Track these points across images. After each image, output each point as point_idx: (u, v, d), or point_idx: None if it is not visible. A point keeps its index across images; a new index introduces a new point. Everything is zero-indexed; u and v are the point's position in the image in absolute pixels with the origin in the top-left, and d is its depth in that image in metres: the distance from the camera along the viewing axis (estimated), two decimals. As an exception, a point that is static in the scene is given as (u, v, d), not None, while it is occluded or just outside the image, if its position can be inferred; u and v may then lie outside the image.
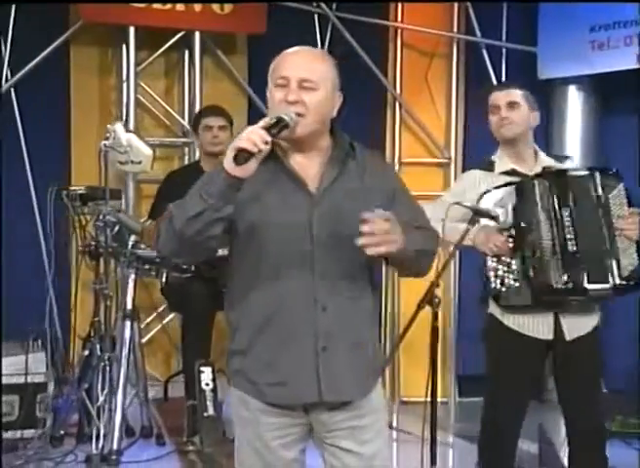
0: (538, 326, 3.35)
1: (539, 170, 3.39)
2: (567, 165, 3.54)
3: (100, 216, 3.97)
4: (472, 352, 5.76)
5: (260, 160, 2.19)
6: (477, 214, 3.30)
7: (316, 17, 5.87)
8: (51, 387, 4.20)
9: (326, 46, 5.92)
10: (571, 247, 3.24)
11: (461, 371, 6.06)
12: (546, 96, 5.80)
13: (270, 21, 5.63)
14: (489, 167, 3.47)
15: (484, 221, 3.33)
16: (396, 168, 5.96)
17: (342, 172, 2.37)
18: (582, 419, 3.44)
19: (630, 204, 3.31)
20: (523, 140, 3.42)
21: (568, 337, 3.34)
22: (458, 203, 3.30)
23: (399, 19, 5.95)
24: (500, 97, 3.43)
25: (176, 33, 5.44)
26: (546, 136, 5.90)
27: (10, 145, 5.29)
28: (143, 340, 5.35)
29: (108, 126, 4.17)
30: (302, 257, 2.32)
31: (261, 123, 2.22)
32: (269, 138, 2.17)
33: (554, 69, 5.76)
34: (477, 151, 6.02)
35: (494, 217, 3.32)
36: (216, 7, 5.32)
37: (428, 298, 3.25)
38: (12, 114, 5.35)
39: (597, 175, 3.30)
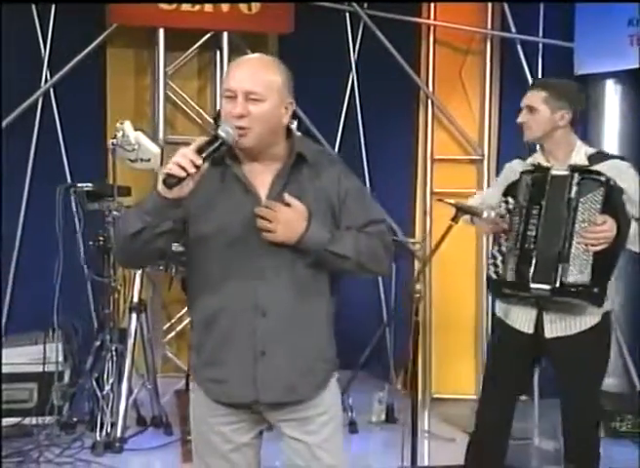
0: (521, 318, 3.30)
1: (566, 166, 3.28)
2: (610, 163, 3.29)
3: (107, 212, 4.05)
4: None
5: (196, 180, 2.19)
6: (459, 210, 3.28)
7: (347, 15, 5.87)
8: (67, 376, 4.34)
9: (357, 44, 5.93)
10: (529, 243, 3.20)
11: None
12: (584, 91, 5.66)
13: (301, 20, 5.63)
14: (526, 157, 3.45)
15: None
16: (428, 165, 5.94)
17: (293, 179, 2.36)
18: (571, 417, 3.36)
19: (607, 210, 3.14)
20: (549, 140, 3.32)
21: (547, 335, 3.27)
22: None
23: (432, 16, 5.88)
24: (524, 99, 3.38)
25: (205, 34, 5.49)
26: (584, 131, 5.77)
27: (48, 143, 5.48)
28: (173, 333, 5.47)
29: (117, 124, 4.24)
30: (247, 263, 2.33)
31: (195, 144, 2.20)
32: (200, 162, 2.16)
33: (591, 65, 5.59)
34: (511, 148, 5.93)
35: (477, 214, 3.28)
36: (243, 7, 5.35)
37: (410, 292, 3.24)
38: (51, 113, 5.52)
39: (576, 176, 3.19)
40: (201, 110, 5.73)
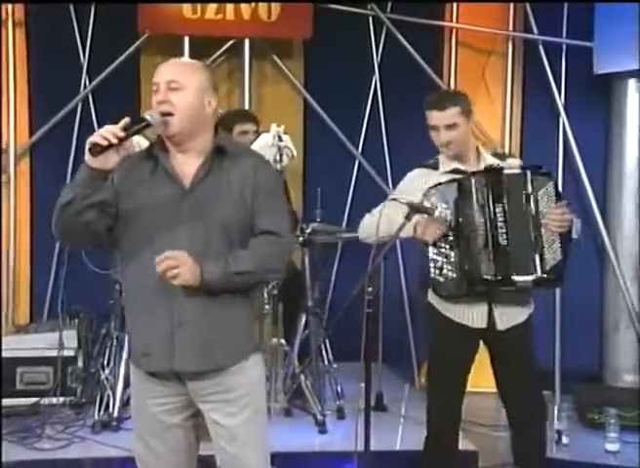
0: (471, 315, 3.37)
1: (481, 168, 3.40)
2: (509, 162, 3.45)
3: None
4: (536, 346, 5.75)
5: (121, 155, 2.40)
6: (412, 209, 3.36)
7: (370, 19, 5.96)
8: (80, 361, 4.63)
9: (380, 47, 6.02)
10: (502, 240, 3.27)
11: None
12: (604, 90, 5.62)
13: (325, 25, 5.75)
14: (434, 165, 3.50)
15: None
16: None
17: (214, 170, 2.54)
18: (520, 404, 3.45)
19: (558, 199, 3.30)
20: (464, 146, 3.44)
21: (500, 327, 3.36)
22: (395, 199, 3.38)
23: (454, 18, 5.91)
24: (437, 118, 3.41)
25: (228, 41, 5.69)
26: (606, 130, 5.72)
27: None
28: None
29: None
30: (167, 242, 2.49)
31: (121, 122, 2.43)
32: (122, 134, 2.37)
33: (610, 64, 5.51)
34: (534, 147, 5.93)
35: (429, 212, 3.36)
36: (263, 15, 5.51)
37: (360, 289, 3.34)
38: (90, 117, 5.82)
39: (528, 173, 3.29)
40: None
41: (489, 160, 3.45)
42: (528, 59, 5.91)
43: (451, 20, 5.92)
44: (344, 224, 5.81)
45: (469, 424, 4.83)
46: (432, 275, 3.36)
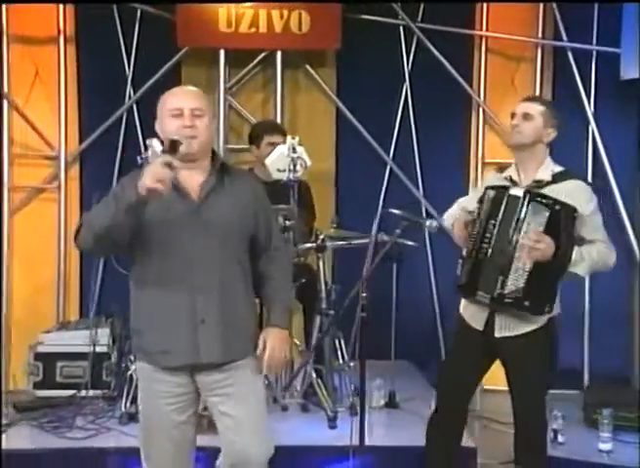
0: (475, 316, 3.48)
1: (530, 181, 3.45)
2: (564, 184, 3.44)
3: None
4: (564, 346, 5.81)
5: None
6: (403, 219, 3.53)
7: (401, 29, 6.08)
8: (113, 356, 4.91)
9: (411, 55, 6.13)
10: (482, 254, 3.36)
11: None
12: (633, 96, 5.61)
13: (357, 34, 5.88)
14: (502, 169, 3.62)
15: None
16: (479, 168, 6.07)
17: (219, 185, 2.85)
18: (520, 412, 3.51)
19: (550, 231, 3.28)
20: (529, 150, 3.47)
21: (496, 334, 3.42)
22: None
23: (484, 26, 5.98)
24: (520, 107, 3.51)
25: (262, 52, 5.88)
26: (635, 136, 5.73)
27: (133, 156, 6.04)
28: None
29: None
30: (183, 250, 2.77)
31: (162, 159, 2.64)
32: (171, 160, 2.63)
33: (636, 69, 5.56)
34: (564, 153, 5.92)
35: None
36: (294, 28, 5.68)
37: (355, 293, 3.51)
38: (134, 126, 6.09)
39: (527, 197, 3.31)
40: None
41: (540, 176, 3.45)
42: (557, 66, 5.94)
43: (481, 29, 5.98)
44: (375, 228, 5.94)
45: (488, 421, 4.98)
46: (457, 272, 3.51)
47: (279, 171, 4.37)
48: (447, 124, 6.07)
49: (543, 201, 3.31)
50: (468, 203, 3.67)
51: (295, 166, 4.30)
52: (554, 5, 5.79)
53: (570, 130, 5.82)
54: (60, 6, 5.91)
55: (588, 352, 5.82)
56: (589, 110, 5.76)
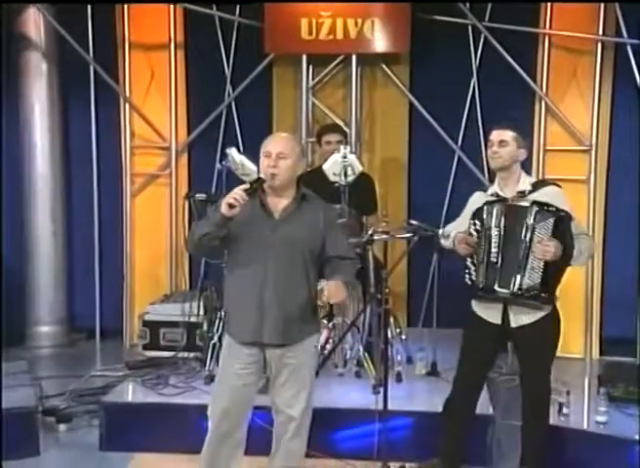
0: (491, 312, 3.96)
1: (515, 193, 3.95)
2: (545, 190, 3.94)
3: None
4: (617, 316, 6.15)
5: (242, 206, 3.38)
6: (415, 230, 4.08)
7: (470, 28, 6.43)
8: (205, 325, 5.66)
9: (479, 52, 6.49)
10: (493, 258, 3.86)
11: (607, 333, 6.39)
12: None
13: (429, 34, 6.30)
14: (485, 189, 4.14)
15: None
16: (541, 155, 6.40)
17: (297, 209, 3.55)
18: (528, 389, 4.04)
19: (556, 233, 3.76)
20: (509, 171, 3.98)
21: (513, 324, 3.91)
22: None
23: (548, 23, 6.22)
24: (494, 134, 4.00)
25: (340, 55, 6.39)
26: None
27: (231, 145, 6.70)
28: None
29: (227, 150, 5.38)
30: (261, 255, 3.51)
31: (243, 187, 3.44)
32: (247, 197, 3.38)
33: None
34: (622, 141, 6.24)
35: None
36: (367, 33, 6.19)
37: (380, 289, 4.12)
38: (233, 119, 6.76)
39: (535, 207, 3.80)
40: (331, 115, 6.64)
41: (522, 187, 3.95)
42: (618, 60, 6.14)
43: (544, 26, 6.24)
44: (444, 212, 6.43)
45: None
46: (466, 279, 4.02)
47: (334, 175, 4.96)
48: (512, 115, 6.33)
49: (549, 209, 3.82)
50: (460, 225, 4.12)
51: (346, 172, 4.87)
52: (616, 3, 5.95)
53: (629, 119, 6.14)
54: (171, 17, 6.61)
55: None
56: (647, 102, 5.96)
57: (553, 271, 3.80)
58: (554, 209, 3.80)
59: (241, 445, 3.72)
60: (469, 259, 4.00)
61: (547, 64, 6.26)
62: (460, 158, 6.46)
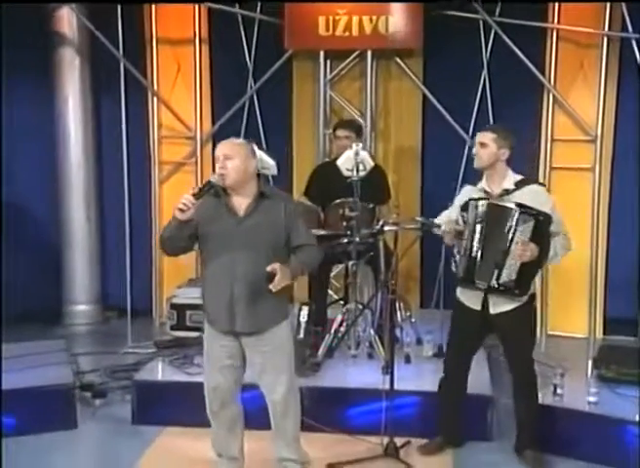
0: (473, 299, 4.24)
1: (500, 190, 4.19)
2: (529, 188, 4.18)
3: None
4: (621, 297, 6.41)
5: (194, 209, 3.58)
6: (423, 225, 4.36)
7: (481, 23, 6.61)
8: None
9: (489, 45, 6.68)
10: (475, 253, 4.12)
11: (610, 314, 6.66)
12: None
13: (441, 28, 6.49)
14: (475, 183, 4.36)
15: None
16: (549, 144, 6.61)
17: (258, 206, 3.74)
18: (513, 373, 4.33)
19: (535, 236, 4.02)
20: (493, 168, 4.22)
21: (492, 311, 4.18)
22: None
23: (556, 18, 6.40)
24: (477, 136, 4.26)
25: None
26: None
27: (254, 134, 6.91)
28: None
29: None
30: (229, 251, 3.72)
31: (191, 191, 3.65)
32: (195, 200, 3.57)
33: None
34: (627, 129, 6.44)
35: (433, 228, 4.33)
36: (382, 29, 6.42)
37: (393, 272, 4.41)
38: (255, 111, 7.02)
39: (518, 210, 4.03)
40: (347, 107, 6.92)
41: (506, 185, 4.19)
42: (623, 52, 6.33)
43: (553, 21, 6.42)
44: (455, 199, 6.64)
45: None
46: (452, 266, 4.28)
47: (347, 170, 5.24)
48: (520, 106, 6.57)
49: (531, 212, 4.04)
50: (452, 214, 4.35)
51: (358, 167, 5.15)
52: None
53: (634, 108, 6.32)
54: (196, 13, 6.88)
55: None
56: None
57: (528, 270, 4.05)
58: (535, 212, 4.00)
59: (237, 421, 3.99)
60: (455, 248, 4.25)
61: (555, 58, 6.45)
62: (470, 147, 6.63)
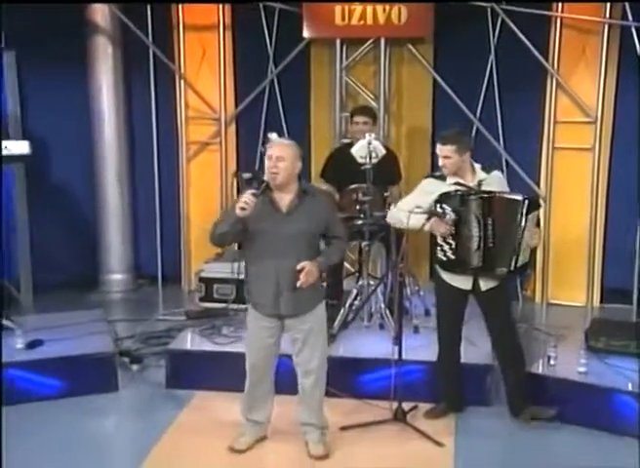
0: (462, 281, 4.62)
1: (476, 182, 4.57)
2: (493, 174, 4.63)
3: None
4: (618, 267, 6.80)
5: (253, 207, 3.96)
6: (431, 214, 4.71)
7: (489, 10, 6.83)
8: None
9: (497, 31, 6.94)
10: (490, 243, 4.50)
11: (608, 283, 7.03)
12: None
13: (451, 16, 6.71)
14: (442, 177, 4.64)
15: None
16: (552, 126, 6.91)
17: (300, 202, 4.11)
18: (499, 339, 4.75)
19: (539, 223, 4.58)
20: (460, 171, 4.53)
21: (483, 288, 4.60)
22: (419, 206, 4.71)
23: (560, 7, 6.66)
24: (438, 150, 4.59)
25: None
26: None
27: (274, 116, 7.33)
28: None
29: (268, 134, 5.98)
30: (275, 245, 4.14)
31: (251, 191, 4.05)
32: (255, 199, 3.96)
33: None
34: (625, 112, 6.72)
35: (439, 216, 4.68)
36: (395, 19, 6.68)
37: (401, 256, 4.80)
38: (275, 94, 7.35)
39: (526, 202, 4.43)
40: (363, 92, 7.22)
41: (479, 175, 4.57)
42: (624, 39, 6.57)
43: (557, 9, 6.66)
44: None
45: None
46: (438, 255, 4.65)
47: (361, 157, 5.61)
48: (525, 89, 6.84)
49: (535, 202, 4.56)
50: (421, 203, 4.57)
51: (371, 155, 5.53)
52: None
53: (633, 93, 6.60)
54: (220, 1, 7.18)
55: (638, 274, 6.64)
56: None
57: (533, 250, 4.63)
58: (536, 200, 4.59)
59: (271, 390, 4.42)
60: (439, 239, 4.61)
61: (558, 44, 6.70)
62: (478, 129, 6.96)
